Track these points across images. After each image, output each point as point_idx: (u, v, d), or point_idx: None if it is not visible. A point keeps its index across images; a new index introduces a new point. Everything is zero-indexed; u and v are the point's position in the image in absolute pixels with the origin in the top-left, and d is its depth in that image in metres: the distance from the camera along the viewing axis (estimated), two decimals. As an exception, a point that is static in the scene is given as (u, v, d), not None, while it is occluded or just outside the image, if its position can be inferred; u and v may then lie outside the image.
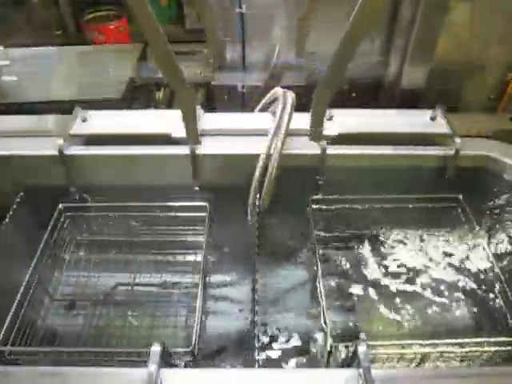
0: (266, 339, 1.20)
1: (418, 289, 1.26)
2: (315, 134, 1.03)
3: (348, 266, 1.32)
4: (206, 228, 1.20)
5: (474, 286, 1.24)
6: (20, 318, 1.06)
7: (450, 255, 1.28)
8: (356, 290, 1.26)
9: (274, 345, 1.19)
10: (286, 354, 1.18)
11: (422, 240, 1.32)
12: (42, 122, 1.28)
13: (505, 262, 1.17)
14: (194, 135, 1.02)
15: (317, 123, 1.02)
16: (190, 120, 1.00)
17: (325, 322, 0.99)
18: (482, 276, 1.21)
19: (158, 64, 0.86)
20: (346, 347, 0.92)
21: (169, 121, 1.21)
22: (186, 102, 0.97)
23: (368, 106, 1.35)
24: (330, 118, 1.21)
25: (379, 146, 1.19)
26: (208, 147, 1.17)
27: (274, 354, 1.18)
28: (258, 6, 1.42)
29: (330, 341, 0.95)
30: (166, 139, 1.17)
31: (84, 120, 1.20)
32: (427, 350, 0.95)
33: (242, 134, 1.20)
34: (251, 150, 1.14)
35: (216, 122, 1.23)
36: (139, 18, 0.76)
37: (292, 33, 1.47)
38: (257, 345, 1.00)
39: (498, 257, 1.20)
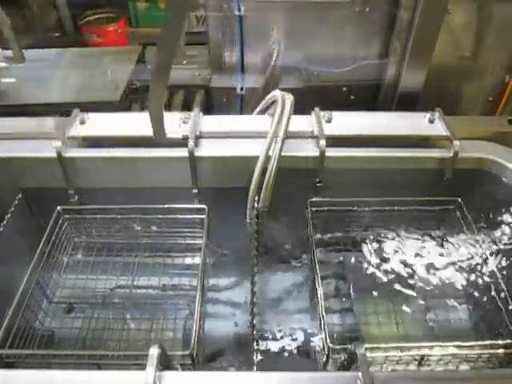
0: (264, 342, 1.19)
1: (417, 291, 1.26)
2: (158, 134, 0.99)
3: (346, 268, 1.32)
4: (204, 230, 1.20)
5: (472, 288, 1.24)
6: (18, 320, 1.05)
7: (449, 257, 1.28)
8: (354, 292, 1.26)
9: (273, 347, 1.19)
10: (285, 357, 1.18)
11: (420, 242, 1.32)
12: (40, 124, 1.28)
13: (503, 264, 1.17)
14: None
15: (156, 123, 0.98)
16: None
17: (323, 325, 0.99)
18: (481, 278, 1.21)
19: None
20: (345, 350, 0.92)
21: (167, 122, 1.21)
22: None
23: (367, 108, 1.36)
24: (329, 121, 1.21)
25: (378, 149, 1.19)
26: (207, 149, 1.17)
27: (273, 356, 1.17)
28: (256, 9, 1.43)
29: (328, 343, 0.95)
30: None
31: (82, 122, 1.20)
32: (426, 352, 0.95)
33: (240, 137, 1.20)
34: (250, 152, 1.14)
35: (214, 125, 1.23)
36: None
37: (291, 35, 1.47)
38: (255, 347, 1.00)
39: (497, 259, 1.19)
